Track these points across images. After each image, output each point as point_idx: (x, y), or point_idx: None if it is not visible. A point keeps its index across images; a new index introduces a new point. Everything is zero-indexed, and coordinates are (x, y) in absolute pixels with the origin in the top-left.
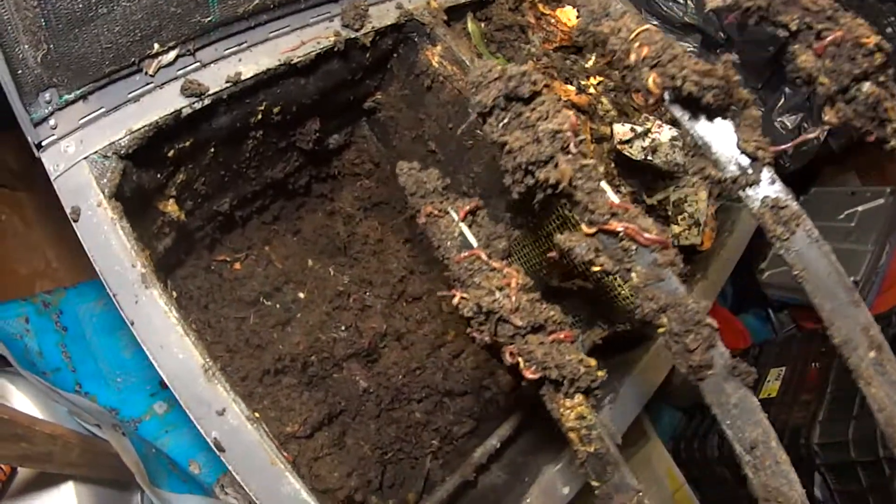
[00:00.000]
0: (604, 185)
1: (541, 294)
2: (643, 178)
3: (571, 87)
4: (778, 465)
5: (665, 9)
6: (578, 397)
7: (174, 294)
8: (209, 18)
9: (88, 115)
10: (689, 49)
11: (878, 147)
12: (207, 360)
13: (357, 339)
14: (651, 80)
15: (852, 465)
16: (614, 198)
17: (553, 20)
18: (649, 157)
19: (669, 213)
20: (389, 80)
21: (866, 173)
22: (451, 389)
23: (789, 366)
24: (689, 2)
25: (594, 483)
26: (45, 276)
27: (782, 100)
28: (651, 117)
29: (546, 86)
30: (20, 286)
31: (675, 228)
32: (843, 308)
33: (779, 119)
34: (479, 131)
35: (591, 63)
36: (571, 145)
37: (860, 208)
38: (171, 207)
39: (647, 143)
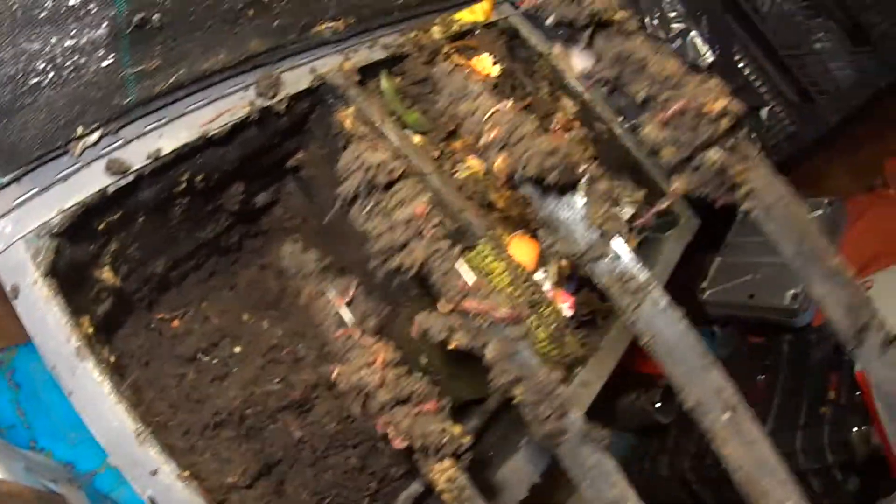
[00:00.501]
0: (458, 266)
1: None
2: None
3: None
4: None
5: None
6: (447, 461)
7: (112, 358)
8: (128, 99)
9: (21, 196)
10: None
11: (731, 210)
12: (139, 425)
13: (289, 391)
14: (499, 163)
15: (802, 474)
16: (468, 278)
17: (469, 70)
18: None
19: None
20: (309, 140)
21: (804, 185)
22: (384, 434)
23: (736, 381)
24: None
25: None
26: None
27: None
28: None
29: (404, 173)
30: None
31: None
32: (695, 372)
33: None
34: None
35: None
36: (425, 230)
37: None
38: (106, 275)
39: None
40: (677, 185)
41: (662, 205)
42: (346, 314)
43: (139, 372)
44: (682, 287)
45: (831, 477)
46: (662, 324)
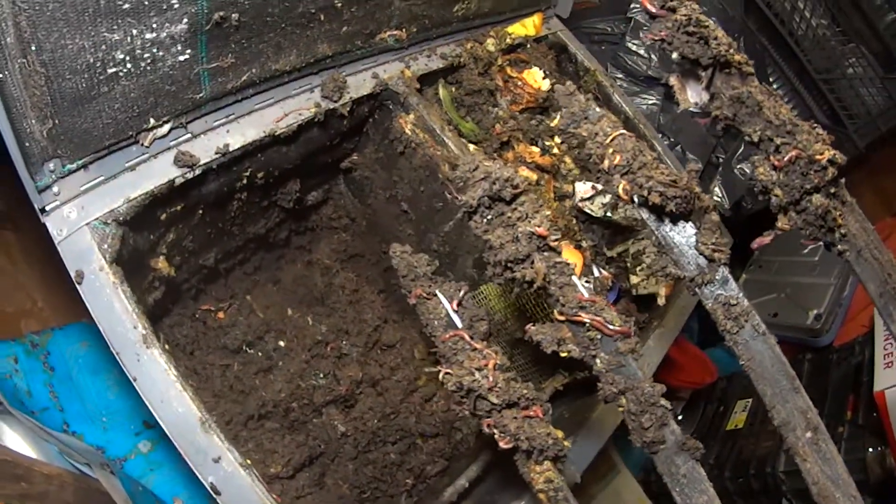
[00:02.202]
0: (575, 279)
1: (508, 342)
2: (604, 231)
3: (536, 149)
4: None
5: (629, 63)
6: (547, 464)
7: (167, 346)
8: (201, 94)
9: (89, 183)
10: (651, 102)
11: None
12: (203, 412)
13: (335, 386)
14: (621, 187)
15: None
16: (584, 292)
17: (520, 82)
18: (608, 214)
19: (629, 264)
20: (365, 143)
21: None
22: (423, 431)
23: (756, 397)
24: (651, 56)
25: None
26: (31, 316)
27: (742, 147)
28: None
29: (527, 187)
30: (6, 325)
31: (634, 279)
32: (785, 394)
33: (738, 166)
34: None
35: (556, 122)
36: (548, 242)
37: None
38: (161, 264)
39: (607, 199)
40: (781, 223)
41: (767, 238)
42: (456, 318)
43: (184, 360)
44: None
45: None
46: (761, 348)
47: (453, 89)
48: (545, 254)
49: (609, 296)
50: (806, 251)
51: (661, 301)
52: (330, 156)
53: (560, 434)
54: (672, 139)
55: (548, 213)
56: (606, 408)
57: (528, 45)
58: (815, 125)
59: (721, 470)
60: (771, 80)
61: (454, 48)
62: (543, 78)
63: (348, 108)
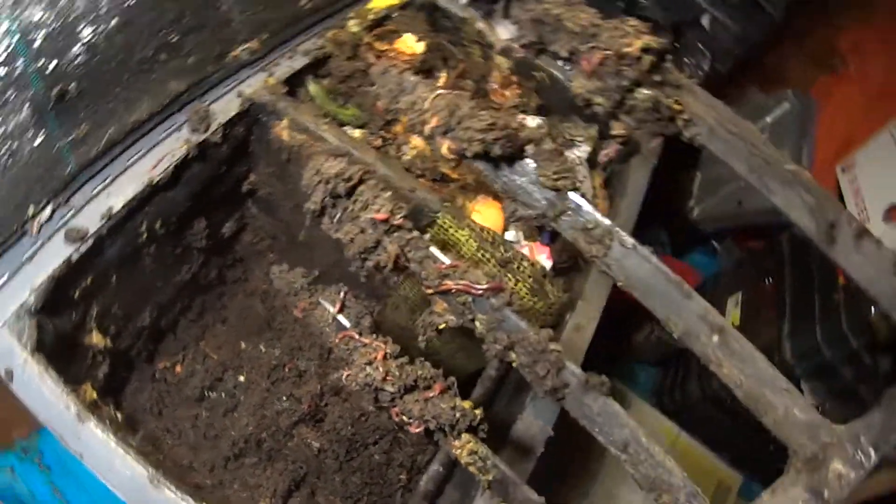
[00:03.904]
0: (432, 250)
1: None
2: None
3: None
4: (652, 457)
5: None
6: (465, 436)
7: (119, 415)
8: (69, 169)
9: None
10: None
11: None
12: (150, 469)
13: (298, 405)
14: (445, 147)
15: (830, 366)
16: (444, 260)
17: (393, 53)
18: None
19: None
20: (255, 161)
21: (764, 83)
22: (400, 424)
23: (744, 289)
24: None
25: None
26: (18, 423)
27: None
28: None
29: (363, 176)
30: None
31: None
32: (677, 303)
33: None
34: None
35: (441, 81)
36: (393, 223)
37: (768, 119)
38: (96, 339)
39: None
40: (616, 130)
41: (611, 150)
42: (343, 319)
43: (154, 422)
44: (671, 212)
45: (861, 362)
46: (634, 264)
47: (326, 81)
48: (395, 234)
49: (543, 236)
50: None
51: None
52: (226, 184)
53: (467, 404)
54: None
55: (388, 193)
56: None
57: (395, 15)
58: (626, 19)
59: None
60: None
61: (315, 41)
62: (418, 41)
63: (220, 135)
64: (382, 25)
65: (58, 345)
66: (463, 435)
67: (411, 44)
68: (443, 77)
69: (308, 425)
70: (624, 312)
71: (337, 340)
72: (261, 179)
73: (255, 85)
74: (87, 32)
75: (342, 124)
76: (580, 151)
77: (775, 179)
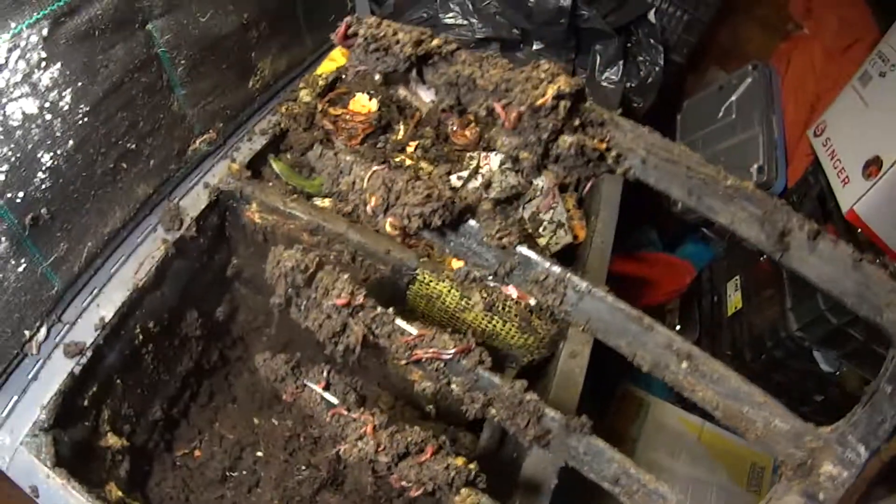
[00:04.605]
0: (398, 323)
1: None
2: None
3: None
4: (644, 486)
5: (454, 36)
6: (464, 491)
7: None
8: (55, 289)
9: (6, 408)
10: (494, 54)
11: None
12: None
13: (317, 472)
14: (388, 225)
15: (839, 331)
16: (411, 331)
17: (349, 115)
18: (484, 195)
19: (529, 229)
20: (235, 245)
21: (725, 62)
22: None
23: (741, 271)
24: (470, 19)
25: None
26: None
27: (598, 59)
28: (474, 154)
29: (319, 263)
30: None
31: (542, 240)
32: (639, 338)
33: (603, 77)
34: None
35: (401, 134)
36: (355, 304)
37: (734, 97)
38: (112, 440)
39: (479, 181)
40: (548, 180)
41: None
42: (330, 397)
43: None
44: (657, 209)
45: (870, 326)
46: (591, 307)
47: (288, 156)
48: (359, 315)
49: None
50: (721, 114)
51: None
52: (211, 272)
53: (461, 461)
54: None
55: (346, 276)
56: (559, 383)
57: (345, 76)
58: (538, 64)
59: (741, 358)
60: None
61: (270, 119)
62: (370, 99)
63: (195, 229)
64: (334, 89)
65: (76, 453)
66: (462, 490)
67: (365, 103)
68: (401, 130)
69: (330, 490)
70: None
71: (328, 419)
72: (243, 261)
73: (219, 173)
74: (46, 158)
75: (310, 196)
76: (546, 180)
77: (715, 198)
